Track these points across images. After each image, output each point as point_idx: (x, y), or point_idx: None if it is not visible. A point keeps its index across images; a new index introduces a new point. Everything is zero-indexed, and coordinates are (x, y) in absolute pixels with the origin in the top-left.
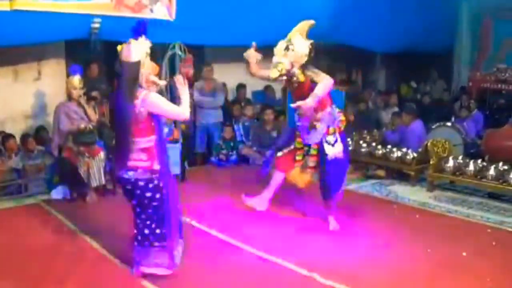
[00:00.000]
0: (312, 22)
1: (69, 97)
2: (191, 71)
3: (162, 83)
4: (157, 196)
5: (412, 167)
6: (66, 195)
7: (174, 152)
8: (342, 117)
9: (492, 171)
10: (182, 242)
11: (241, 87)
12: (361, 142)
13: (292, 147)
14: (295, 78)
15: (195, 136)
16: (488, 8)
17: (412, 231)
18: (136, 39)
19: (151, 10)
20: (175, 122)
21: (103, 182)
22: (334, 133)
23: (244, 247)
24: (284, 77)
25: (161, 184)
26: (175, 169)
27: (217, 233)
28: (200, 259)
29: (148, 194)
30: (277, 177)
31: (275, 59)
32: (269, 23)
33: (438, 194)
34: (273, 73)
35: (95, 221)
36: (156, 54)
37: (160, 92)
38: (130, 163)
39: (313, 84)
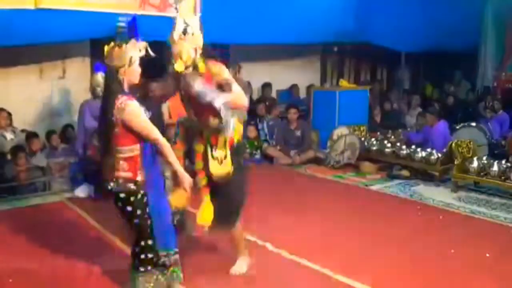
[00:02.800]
0: None
1: (94, 95)
2: None
3: None
4: (138, 212)
5: (436, 168)
6: (90, 194)
7: None
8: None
9: None
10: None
11: (266, 86)
12: (385, 142)
13: None
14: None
15: None
16: None
17: (436, 232)
18: (127, 41)
19: (176, 9)
20: None
21: None
22: (224, 145)
23: (268, 246)
24: (190, 69)
25: (145, 199)
26: None
27: None
28: (220, 258)
29: (129, 208)
30: None
31: (175, 48)
32: (294, 22)
33: (462, 194)
34: (179, 66)
35: (119, 219)
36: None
37: None
38: (112, 173)
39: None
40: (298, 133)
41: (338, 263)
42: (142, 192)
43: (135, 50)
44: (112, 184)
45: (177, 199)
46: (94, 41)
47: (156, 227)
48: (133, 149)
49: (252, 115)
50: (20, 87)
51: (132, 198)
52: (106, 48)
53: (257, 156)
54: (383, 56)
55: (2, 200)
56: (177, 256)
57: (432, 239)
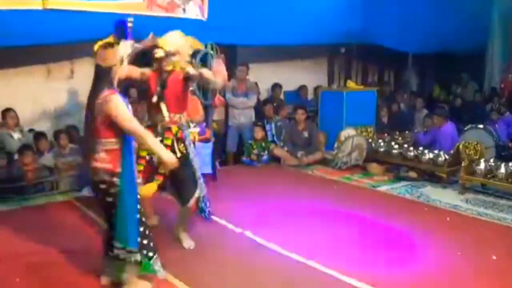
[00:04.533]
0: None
1: None
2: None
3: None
4: (117, 203)
5: (444, 169)
6: None
7: (206, 151)
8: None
9: None
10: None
11: (276, 86)
12: (393, 143)
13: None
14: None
15: (227, 136)
16: None
17: (442, 234)
18: (118, 42)
19: (184, 10)
20: (206, 121)
21: None
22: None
23: (275, 247)
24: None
25: (121, 190)
26: (207, 169)
27: (247, 233)
28: (229, 259)
29: (109, 199)
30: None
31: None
32: (301, 23)
33: (469, 196)
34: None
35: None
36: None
37: (193, 92)
38: (94, 164)
39: None
40: (306, 134)
41: (347, 265)
42: (119, 184)
43: (125, 50)
44: (93, 174)
45: (146, 189)
46: None
47: (120, 218)
48: (115, 142)
49: (260, 116)
50: (28, 87)
51: (112, 190)
52: (96, 46)
53: (265, 157)
54: (390, 58)
55: (10, 200)
56: (137, 256)
57: (439, 241)
